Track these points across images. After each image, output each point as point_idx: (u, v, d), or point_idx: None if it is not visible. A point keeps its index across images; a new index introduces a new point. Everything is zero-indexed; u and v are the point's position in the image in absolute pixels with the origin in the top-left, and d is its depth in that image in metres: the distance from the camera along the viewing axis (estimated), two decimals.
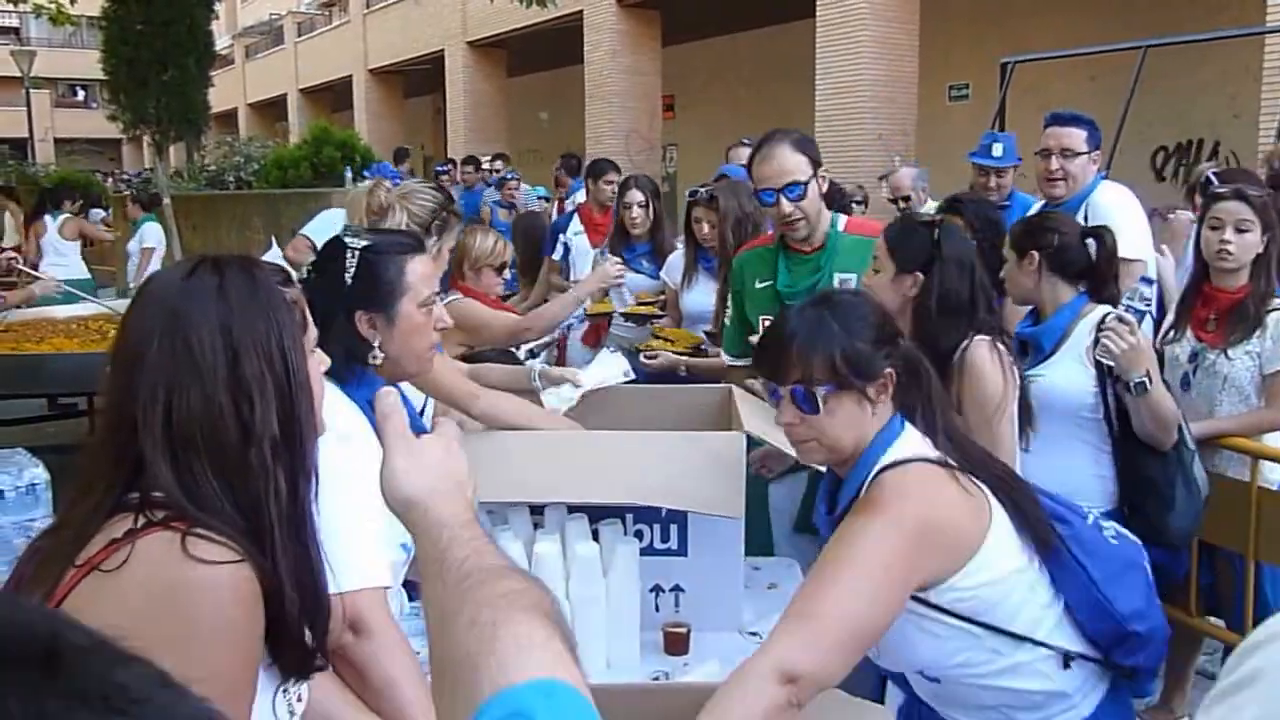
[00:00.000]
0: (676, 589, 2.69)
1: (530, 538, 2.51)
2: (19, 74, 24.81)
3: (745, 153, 6.41)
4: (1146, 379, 2.94)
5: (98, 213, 22.67)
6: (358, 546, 1.81)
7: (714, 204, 4.59)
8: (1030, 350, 3.20)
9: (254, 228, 12.47)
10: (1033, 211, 4.23)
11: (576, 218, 6.43)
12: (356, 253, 2.11)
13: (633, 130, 17.89)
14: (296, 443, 1.36)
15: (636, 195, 5.32)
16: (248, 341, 1.32)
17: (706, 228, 4.69)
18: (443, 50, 23.13)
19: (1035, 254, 3.15)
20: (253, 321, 1.34)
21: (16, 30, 40.63)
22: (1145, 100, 8.75)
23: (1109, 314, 3.06)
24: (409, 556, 2.11)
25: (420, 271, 2.17)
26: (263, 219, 12.45)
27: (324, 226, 5.38)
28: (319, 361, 1.56)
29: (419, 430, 2.22)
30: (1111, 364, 2.98)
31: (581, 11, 17.99)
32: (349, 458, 1.82)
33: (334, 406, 1.93)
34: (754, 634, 2.67)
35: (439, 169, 13.32)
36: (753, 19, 18.60)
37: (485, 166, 11.62)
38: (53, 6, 13.17)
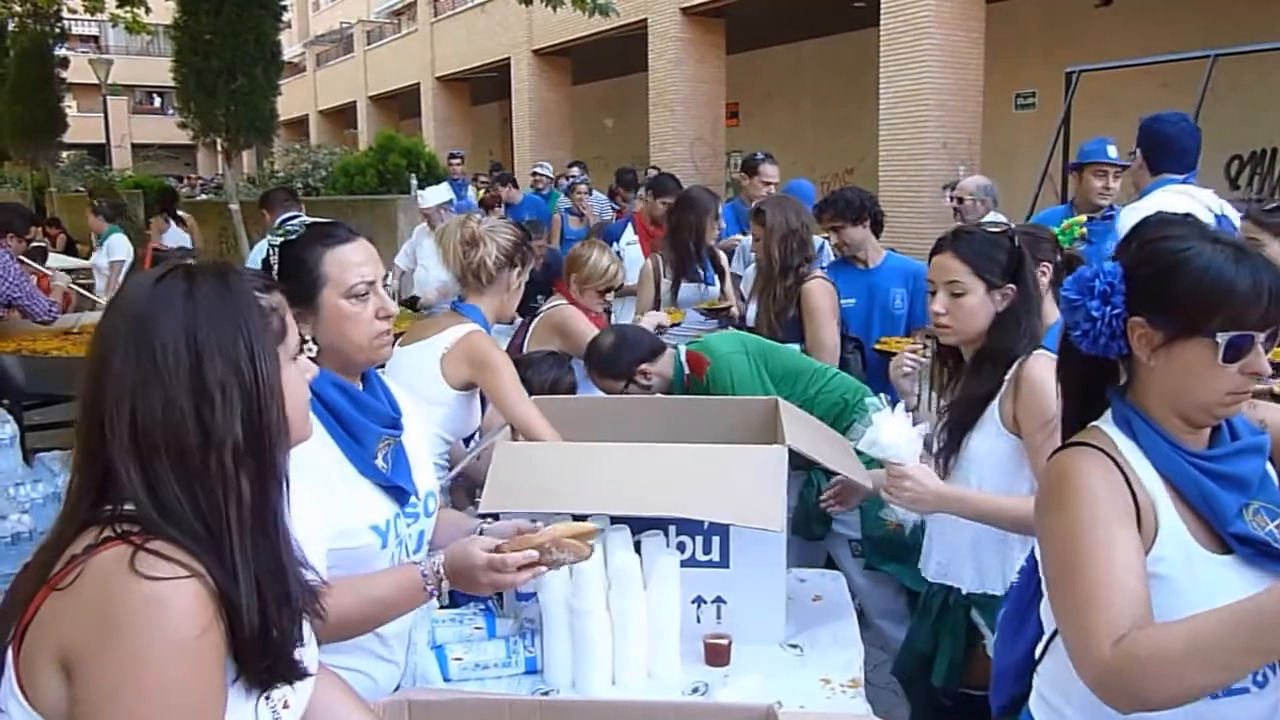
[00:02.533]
0: (718, 601, 2.68)
1: None
2: (98, 81, 25.37)
3: (771, 170, 6.41)
4: None
5: None
6: None
7: (760, 217, 4.58)
8: None
9: None
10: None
11: (630, 227, 6.45)
12: (274, 248, 2.14)
13: (697, 138, 17.92)
14: (262, 449, 1.35)
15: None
16: (212, 345, 1.32)
17: (754, 243, 4.70)
18: (509, 59, 23.34)
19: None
20: (219, 326, 1.33)
21: (96, 38, 41.55)
22: (1218, 108, 8.60)
23: None
24: (384, 541, 2.13)
25: (343, 260, 2.15)
26: None
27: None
28: (302, 369, 1.56)
29: (393, 421, 2.23)
30: None
31: (646, 20, 18.05)
32: None
33: None
34: (795, 646, 2.66)
35: (496, 171, 13.48)
36: (817, 27, 18.54)
37: (570, 172, 11.70)
38: (128, 15, 13.47)
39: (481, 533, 2.23)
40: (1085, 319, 1.77)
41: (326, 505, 2.02)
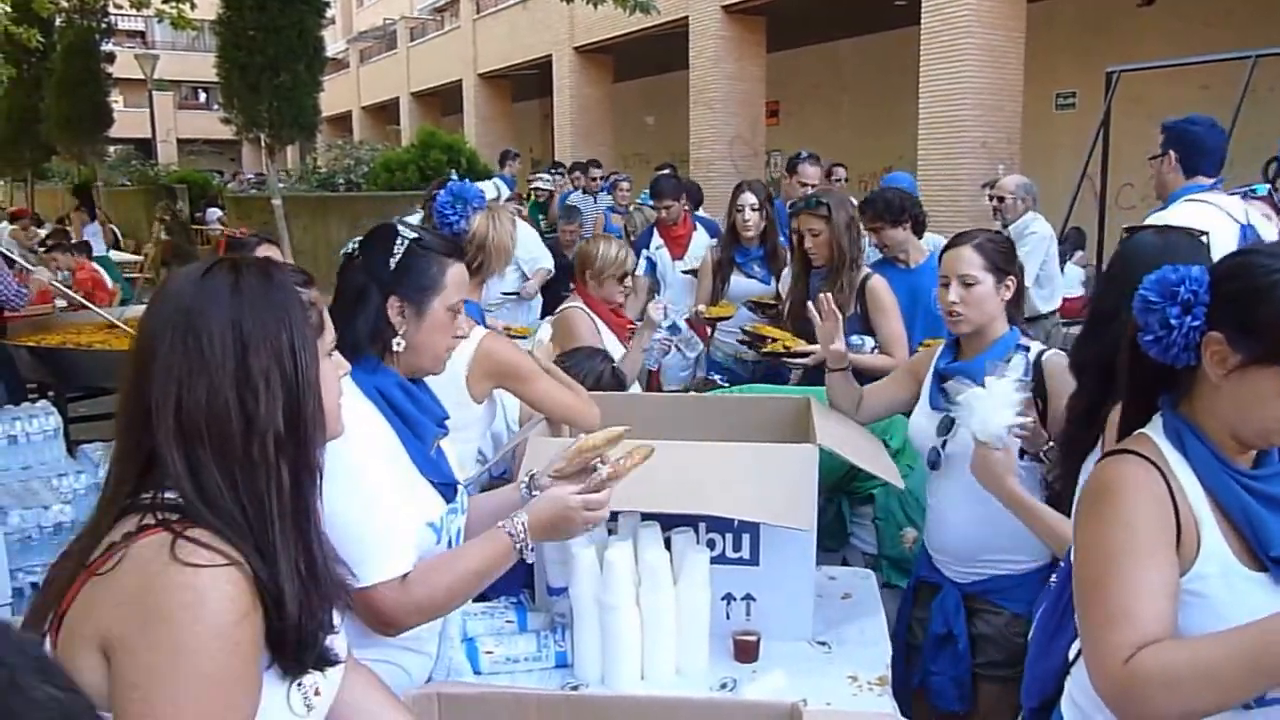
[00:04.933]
0: (748, 598, 2.71)
1: (603, 543, 2.54)
2: (144, 76, 25.66)
3: (811, 170, 6.38)
4: (1053, 445, 2.69)
5: (214, 211, 23.47)
6: (370, 541, 1.95)
7: (821, 210, 4.46)
8: None
9: (362, 229, 12.72)
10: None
11: (656, 233, 6.47)
12: (406, 241, 2.22)
13: (736, 136, 17.89)
14: (301, 439, 1.40)
15: (750, 198, 5.27)
16: (258, 337, 1.37)
17: (809, 238, 4.53)
18: (550, 56, 23.38)
19: (1013, 279, 3.01)
20: (263, 318, 1.38)
21: (142, 34, 42.00)
22: (1258, 110, 8.50)
23: (1045, 354, 2.89)
24: (438, 538, 2.17)
25: (456, 278, 2.28)
26: (371, 220, 12.71)
27: None
28: (336, 366, 1.59)
29: (442, 420, 2.30)
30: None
31: (687, 18, 18.05)
32: (351, 452, 1.89)
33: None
34: (823, 643, 2.68)
35: (555, 168, 13.51)
36: (857, 26, 18.48)
37: (595, 173, 11.67)
38: (174, 11, 13.62)
39: (531, 488, 2.32)
40: (1160, 324, 1.69)
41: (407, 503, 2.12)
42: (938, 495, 3.01)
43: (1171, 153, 4.31)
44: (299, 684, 1.40)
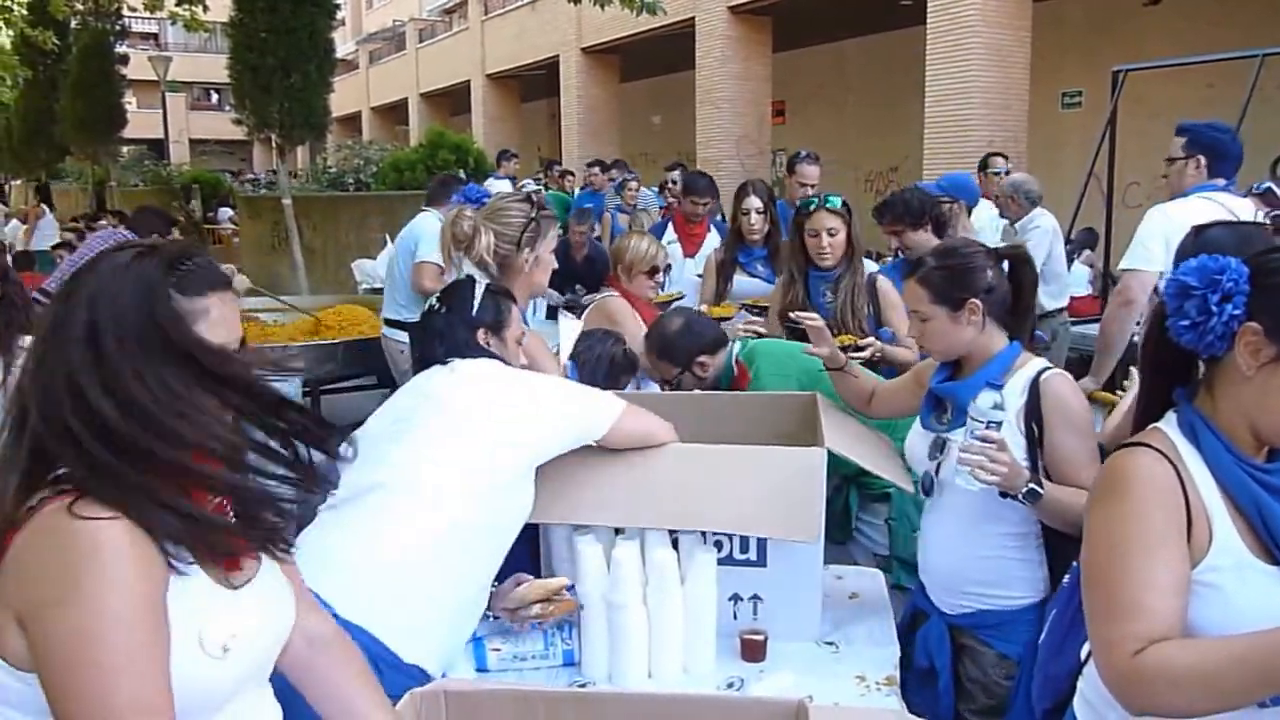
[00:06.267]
0: (755, 598, 2.72)
1: (610, 543, 2.56)
2: (157, 78, 25.74)
3: (809, 170, 6.36)
4: (1035, 485, 2.45)
5: (226, 211, 23.53)
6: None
7: (843, 210, 4.40)
8: (951, 409, 2.75)
9: (371, 228, 12.77)
10: None
11: (670, 227, 6.46)
12: (482, 287, 2.77)
13: (743, 135, 17.89)
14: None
15: (755, 201, 5.23)
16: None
17: (825, 238, 4.39)
18: (558, 56, 23.40)
19: (977, 302, 2.68)
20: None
21: (155, 36, 42.09)
22: (1264, 109, 8.49)
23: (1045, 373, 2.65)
24: None
25: (516, 314, 2.81)
26: (380, 219, 12.74)
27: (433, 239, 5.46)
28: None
29: None
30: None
31: (693, 18, 18.06)
32: None
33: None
34: (830, 644, 2.70)
35: (556, 168, 13.53)
36: (863, 26, 18.46)
37: (607, 174, 11.68)
38: (187, 13, 13.69)
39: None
40: (1200, 311, 1.68)
41: None
42: (929, 519, 2.86)
43: (1200, 157, 4.43)
44: (201, 643, 1.43)
